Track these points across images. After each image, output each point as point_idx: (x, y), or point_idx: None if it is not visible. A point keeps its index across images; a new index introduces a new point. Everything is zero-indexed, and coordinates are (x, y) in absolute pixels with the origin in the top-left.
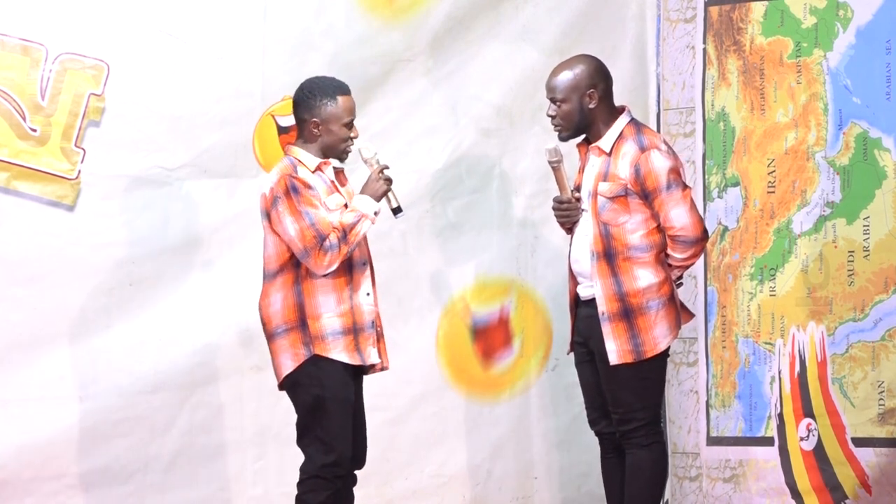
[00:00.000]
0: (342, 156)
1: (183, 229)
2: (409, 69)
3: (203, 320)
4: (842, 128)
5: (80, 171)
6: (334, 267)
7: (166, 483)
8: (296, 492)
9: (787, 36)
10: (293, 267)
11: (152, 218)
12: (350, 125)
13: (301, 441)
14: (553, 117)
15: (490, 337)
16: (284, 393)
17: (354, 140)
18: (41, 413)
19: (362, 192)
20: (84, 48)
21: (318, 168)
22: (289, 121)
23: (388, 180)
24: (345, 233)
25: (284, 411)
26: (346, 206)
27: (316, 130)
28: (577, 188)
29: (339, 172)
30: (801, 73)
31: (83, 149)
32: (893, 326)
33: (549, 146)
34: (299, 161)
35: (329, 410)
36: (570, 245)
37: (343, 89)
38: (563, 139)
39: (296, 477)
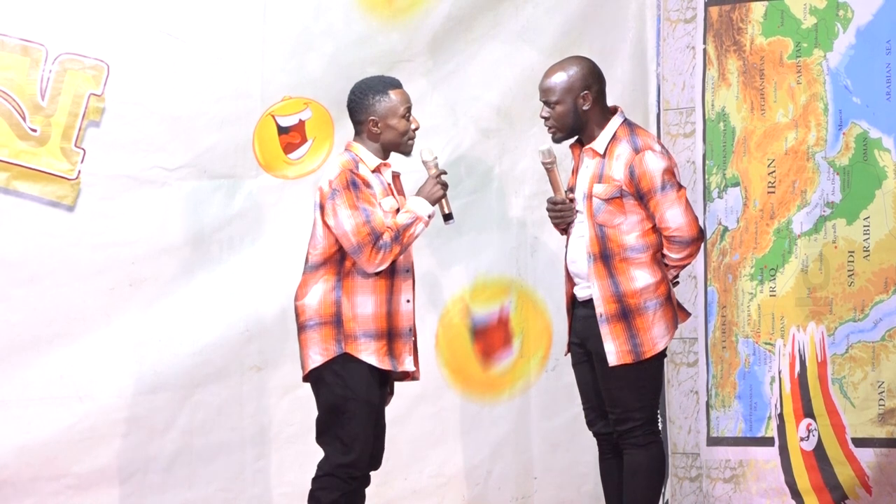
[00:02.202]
0: (407, 148)
1: (183, 229)
2: (409, 69)
3: (203, 320)
4: (842, 128)
5: (80, 172)
6: (385, 266)
7: (166, 483)
8: (296, 491)
9: (787, 36)
10: (337, 262)
11: (152, 218)
12: (407, 116)
13: (320, 438)
14: (546, 119)
15: (490, 337)
16: (284, 393)
17: (416, 131)
18: (41, 413)
19: (418, 194)
20: (84, 48)
21: (377, 169)
22: (289, 121)
23: (445, 185)
24: (398, 233)
25: (284, 411)
26: (398, 211)
27: (375, 129)
28: (571, 189)
29: (396, 178)
30: (801, 73)
31: (83, 149)
32: (893, 327)
33: (543, 147)
34: (360, 159)
35: (351, 412)
36: (566, 247)
37: (394, 83)
38: (556, 141)
39: (296, 477)
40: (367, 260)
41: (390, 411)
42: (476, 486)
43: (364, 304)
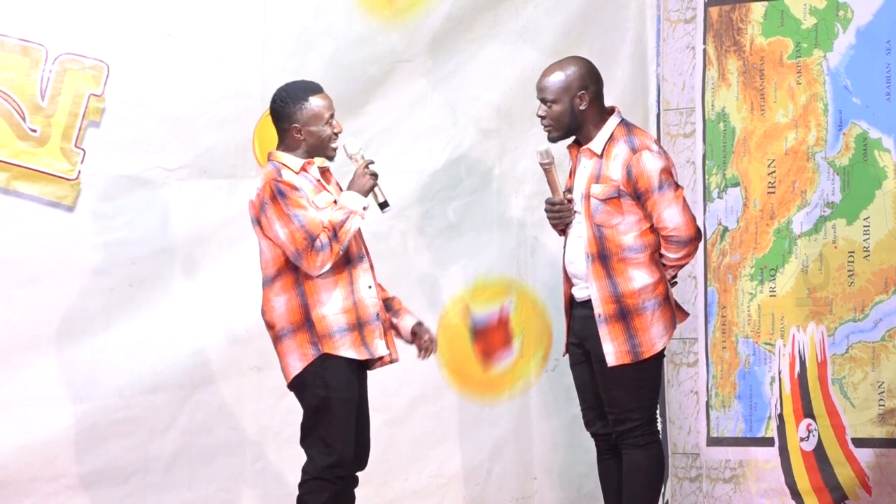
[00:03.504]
0: (331, 153)
1: (183, 229)
2: (409, 69)
3: (203, 320)
4: (842, 128)
5: (79, 172)
6: (328, 266)
7: (166, 483)
8: (296, 492)
9: (787, 36)
10: (291, 269)
11: (152, 218)
12: (330, 121)
13: (304, 441)
14: (543, 118)
15: (490, 337)
16: (284, 393)
17: (339, 135)
18: (41, 413)
19: (349, 188)
20: (84, 48)
21: (303, 168)
22: None
23: (374, 175)
24: (335, 231)
25: (284, 411)
26: (335, 202)
27: (298, 135)
28: (569, 190)
29: (324, 171)
30: (801, 73)
31: (83, 149)
32: (893, 327)
33: (541, 148)
34: (283, 164)
35: (333, 411)
36: (565, 247)
37: (314, 89)
38: (552, 140)
39: (295, 477)
40: (309, 264)
41: (390, 411)
42: (476, 486)
43: (329, 301)
